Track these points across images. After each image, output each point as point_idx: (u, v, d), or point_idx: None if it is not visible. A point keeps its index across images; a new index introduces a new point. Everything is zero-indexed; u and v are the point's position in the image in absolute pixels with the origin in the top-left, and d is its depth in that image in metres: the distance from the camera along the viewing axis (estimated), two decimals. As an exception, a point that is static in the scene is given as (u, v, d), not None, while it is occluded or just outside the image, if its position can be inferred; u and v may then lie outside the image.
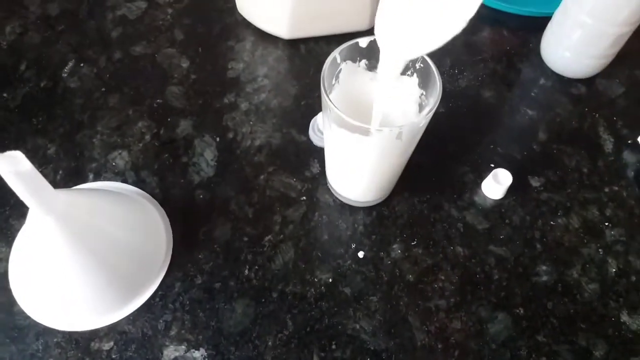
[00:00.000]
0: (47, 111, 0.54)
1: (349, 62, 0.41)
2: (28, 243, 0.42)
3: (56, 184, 0.49)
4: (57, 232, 0.37)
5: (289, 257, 0.46)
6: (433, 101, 0.38)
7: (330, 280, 0.45)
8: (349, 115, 0.35)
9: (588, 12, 0.50)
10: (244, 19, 0.61)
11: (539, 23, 0.59)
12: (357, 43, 0.39)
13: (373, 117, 0.41)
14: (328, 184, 0.49)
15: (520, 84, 0.57)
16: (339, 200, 0.49)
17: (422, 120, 0.37)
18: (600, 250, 0.47)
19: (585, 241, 0.47)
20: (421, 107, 0.42)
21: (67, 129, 0.53)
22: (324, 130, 0.43)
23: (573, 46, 0.54)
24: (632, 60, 0.59)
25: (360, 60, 0.41)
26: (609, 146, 0.53)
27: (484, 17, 0.62)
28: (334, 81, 0.41)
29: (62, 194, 0.38)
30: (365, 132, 0.36)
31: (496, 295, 0.44)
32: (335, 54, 0.39)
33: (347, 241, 0.47)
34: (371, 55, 0.41)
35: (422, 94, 0.41)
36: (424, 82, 0.40)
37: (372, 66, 0.42)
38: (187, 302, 0.43)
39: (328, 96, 0.37)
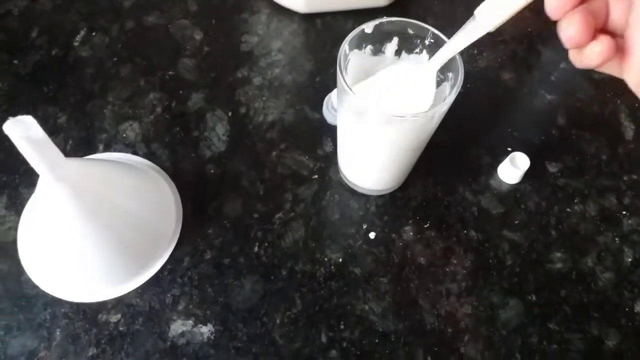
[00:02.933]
0: (58, 80, 0.53)
1: (355, 50, 0.39)
2: (38, 211, 0.42)
3: (66, 154, 0.48)
4: (67, 200, 0.36)
5: (299, 235, 0.45)
6: (454, 76, 0.37)
7: (341, 260, 0.44)
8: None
9: None
10: (260, -9, 0.59)
11: (563, 4, 0.57)
12: (363, 30, 0.38)
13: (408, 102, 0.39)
14: (341, 174, 0.48)
15: (541, 67, 0.56)
16: (354, 190, 0.48)
17: (452, 99, 0.35)
18: (616, 239, 0.46)
19: (602, 229, 0.46)
20: (436, 83, 0.41)
21: (78, 98, 0.52)
22: (340, 124, 0.42)
23: None
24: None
25: (365, 47, 0.40)
26: (629, 133, 0.51)
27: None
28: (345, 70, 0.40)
29: (73, 163, 0.37)
30: (398, 121, 0.35)
31: (509, 281, 0.44)
32: (345, 45, 0.37)
33: (359, 221, 0.46)
34: (375, 40, 0.39)
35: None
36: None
37: (377, 50, 0.40)
38: (196, 277, 0.43)
39: (351, 90, 0.35)
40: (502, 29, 0.58)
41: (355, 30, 0.38)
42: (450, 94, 0.36)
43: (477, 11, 0.30)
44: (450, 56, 0.35)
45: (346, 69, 0.40)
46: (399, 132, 0.37)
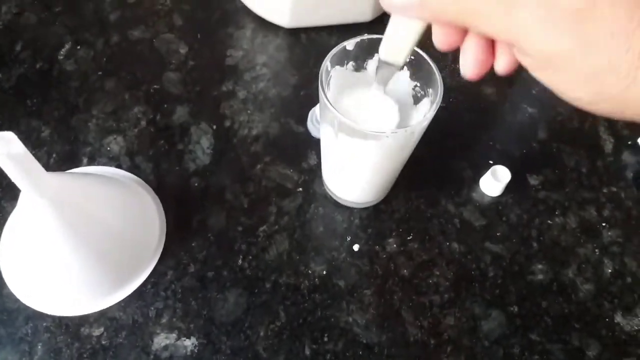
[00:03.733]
0: (42, 93, 0.53)
1: (337, 67, 0.40)
2: (19, 226, 0.41)
3: (50, 168, 0.48)
4: (48, 215, 0.36)
5: (283, 248, 0.45)
6: (433, 92, 0.37)
7: (325, 272, 0.44)
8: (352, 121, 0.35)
9: None
10: (244, 6, 0.60)
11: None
12: (344, 47, 0.39)
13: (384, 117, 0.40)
14: (325, 187, 0.48)
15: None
16: (338, 202, 0.48)
17: (431, 115, 0.36)
18: (596, 250, 0.46)
19: (582, 241, 0.47)
20: (415, 99, 0.41)
21: (62, 112, 0.52)
22: (324, 139, 0.42)
23: None
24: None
25: (347, 63, 0.40)
26: (608, 147, 0.52)
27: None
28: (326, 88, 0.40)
29: (55, 178, 0.37)
30: (378, 137, 0.36)
31: (491, 293, 0.44)
32: (327, 62, 0.38)
33: (343, 234, 0.46)
34: (358, 57, 0.40)
35: (415, 86, 0.41)
36: (417, 74, 0.39)
37: (359, 66, 0.41)
38: (179, 291, 0.43)
39: (333, 106, 0.35)
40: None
41: (337, 47, 0.38)
42: (430, 110, 0.36)
43: (379, 54, 0.32)
44: (382, 89, 0.36)
45: (328, 84, 0.40)
46: (380, 148, 0.38)
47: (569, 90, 0.24)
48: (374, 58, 0.40)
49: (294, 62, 0.57)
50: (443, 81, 0.37)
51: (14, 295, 0.42)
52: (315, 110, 0.51)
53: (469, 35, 0.26)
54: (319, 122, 0.51)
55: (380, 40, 0.38)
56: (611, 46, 0.21)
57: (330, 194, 0.48)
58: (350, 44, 0.39)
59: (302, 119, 0.52)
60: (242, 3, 0.60)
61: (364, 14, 0.58)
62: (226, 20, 0.59)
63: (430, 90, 0.39)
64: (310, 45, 0.58)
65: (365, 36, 0.38)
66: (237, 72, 0.55)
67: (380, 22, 0.59)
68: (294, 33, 0.59)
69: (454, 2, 0.24)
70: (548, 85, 0.25)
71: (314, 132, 0.51)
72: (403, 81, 0.41)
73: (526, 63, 0.24)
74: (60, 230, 0.37)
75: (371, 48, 0.39)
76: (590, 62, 0.22)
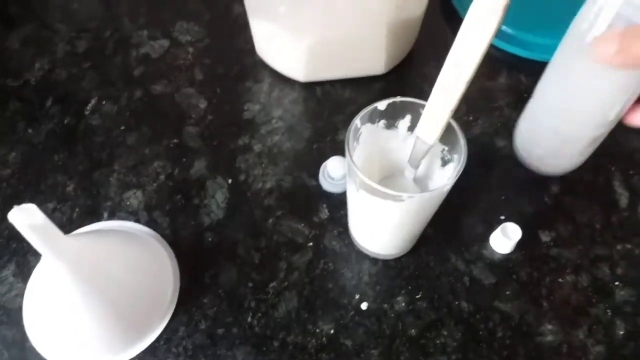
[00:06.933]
0: (69, 148, 0.56)
1: (367, 124, 0.41)
2: (41, 284, 0.44)
3: (73, 222, 0.50)
4: (67, 276, 0.38)
5: (292, 305, 0.46)
6: (458, 158, 0.38)
7: (332, 331, 0.45)
8: (371, 175, 0.36)
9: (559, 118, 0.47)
10: (262, 60, 0.62)
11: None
12: (375, 108, 0.40)
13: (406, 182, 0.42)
14: (352, 237, 0.49)
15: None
16: (357, 249, 0.49)
17: (452, 182, 0.37)
18: (608, 311, 0.46)
19: (594, 301, 0.46)
20: (443, 162, 0.42)
21: (86, 166, 0.54)
22: (347, 192, 0.43)
23: (547, 147, 0.50)
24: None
25: (379, 121, 0.42)
26: (624, 201, 0.52)
27: (501, 62, 0.62)
28: (354, 143, 0.41)
29: (73, 241, 0.39)
30: (396, 198, 0.36)
31: (499, 354, 0.44)
32: (356, 121, 0.39)
33: (351, 291, 0.47)
34: (389, 115, 0.41)
35: (444, 149, 0.41)
36: (446, 138, 0.40)
37: (390, 125, 0.42)
38: (190, 347, 0.44)
39: (357, 167, 0.36)
40: (497, 95, 0.60)
41: (368, 107, 0.39)
42: (452, 175, 0.37)
43: (417, 133, 0.38)
44: (417, 165, 0.41)
45: (358, 140, 0.41)
46: (398, 209, 0.38)
47: None
48: (405, 118, 0.41)
49: (308, 115, 0.58)
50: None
51: (35, 349, 0.44)
52: (327, 165, 0.52)
53: None
54: (330, 177, 0.52)
55: (412, 102, 0.40)
56: None
57: (356, 243, 0.49)
58: (382, 105, 0.40)
59: (314, 172, 0.53)
60: (260, 57, 0.62)
61: (378, 68, 0.59)
62: (245, 74, 0.62)
63: (455, 156, 0.39)
64: (324, 98, 0.59)
65: (398, 99, 0.39)
66: (253, 126, 0.57)
67: (393, 74, 0.61)
68: (309, 86, 0.60)
69: None
70: None
71: (325, 185, 0.52)
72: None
73: None
74: (78, 289, 0.39)
75: (403, 109, 0.41)
76: None
